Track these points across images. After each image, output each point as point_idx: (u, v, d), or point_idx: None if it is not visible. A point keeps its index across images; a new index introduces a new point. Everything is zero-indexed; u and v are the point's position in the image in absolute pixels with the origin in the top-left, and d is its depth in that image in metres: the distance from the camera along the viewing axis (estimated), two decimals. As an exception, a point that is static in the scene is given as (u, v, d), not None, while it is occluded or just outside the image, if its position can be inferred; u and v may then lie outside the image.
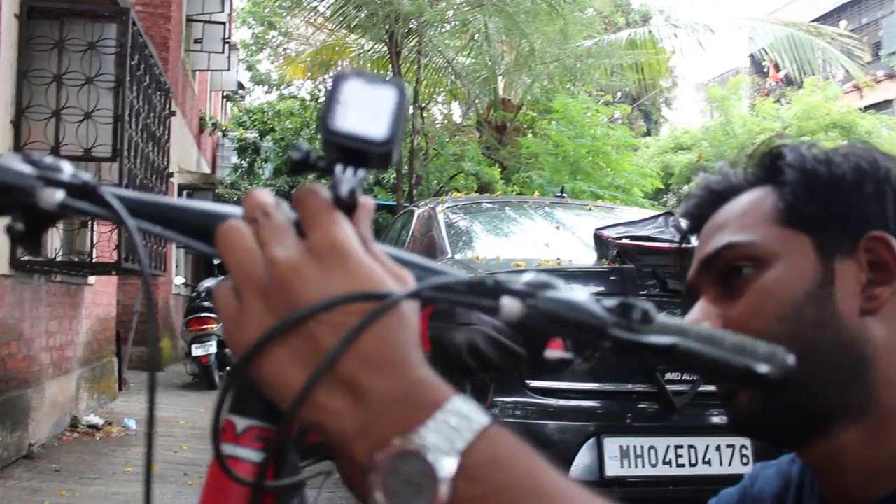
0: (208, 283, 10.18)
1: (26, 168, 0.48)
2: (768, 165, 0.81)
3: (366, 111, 0.47)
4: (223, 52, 13.76)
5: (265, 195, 0.48)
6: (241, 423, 0.57)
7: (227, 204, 0.54)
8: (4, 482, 4.65)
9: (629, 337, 0.48)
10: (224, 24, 13.63)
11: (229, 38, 14.39)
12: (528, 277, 0.48)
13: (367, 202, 0.49)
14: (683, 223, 0.90)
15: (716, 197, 0.85)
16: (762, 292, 0.75)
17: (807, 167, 0.78)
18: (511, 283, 0.48)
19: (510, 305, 0.47)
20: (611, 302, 0.49)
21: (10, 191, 0.48)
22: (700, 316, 0.79)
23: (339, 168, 0.48)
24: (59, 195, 0.48)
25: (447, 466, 0.41)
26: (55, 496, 4.45)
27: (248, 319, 0.45)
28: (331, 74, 14.83)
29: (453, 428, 0.42)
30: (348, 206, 0.48)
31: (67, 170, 0.49)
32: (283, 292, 0.44)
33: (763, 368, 0.49)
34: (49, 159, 0.50)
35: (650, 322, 0.49)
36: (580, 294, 0.48)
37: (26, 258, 5.22)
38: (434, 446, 0.41)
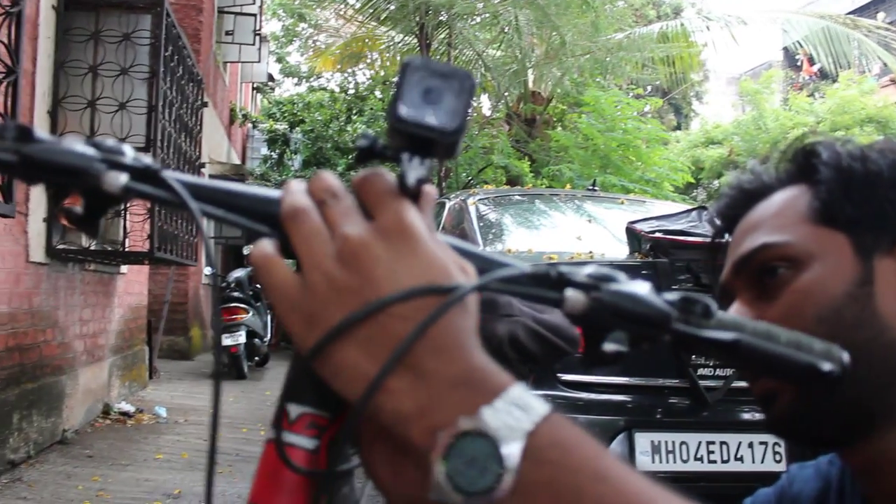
0: (237, 273, 10.25)
1: (90, 150, 0.48)
2: (802, 163, 0.80)
3: (434, 100, 0.47)
4: (254, 44, 13.84)
5: (331, 178, 0.49)
6: (294, 409, 0.57)
7: None
8: (40, 466, 4.73)
9: (691, 331, 0.48)
10: (255, 16, 13.71)
11: (260, 30, 14.46)
12: (590, 269, 0.48)
13: (430, 191, 0.49)
14: (715, 223, 0.88)
15: (748, 196, 0.83)
16: (800, 293, 0.74)
17: (842, 164, 0.76)
18: (575, 276, 0.48)
19: (575, 298, 0.47)
20: (672, 296, 0.49)
21: (74, 173, 0.47)
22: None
23: (405, 156, 0.48)
24: (123, 178, 0.48)
25: (513, 447, 0.41)
26: (88, 481, 4.52)
27: (314, 300, 0.45)
28: (360, 67, 14.89)
29: (518, 410, 0.42)
30: (413, 195, 0.48)
31: (129, 153, 0.49)
32: (353, 269, 0.44)
33: (826, 366, 0.49)
34: (111, 142, 0.49)
35: (710, 317, 0.49)
36: (642, 287, 0.48)
37: (61, 247, 5.29)
38: (499, 427, 0.41)
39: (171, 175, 0.50)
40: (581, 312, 0.47)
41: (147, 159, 0.50)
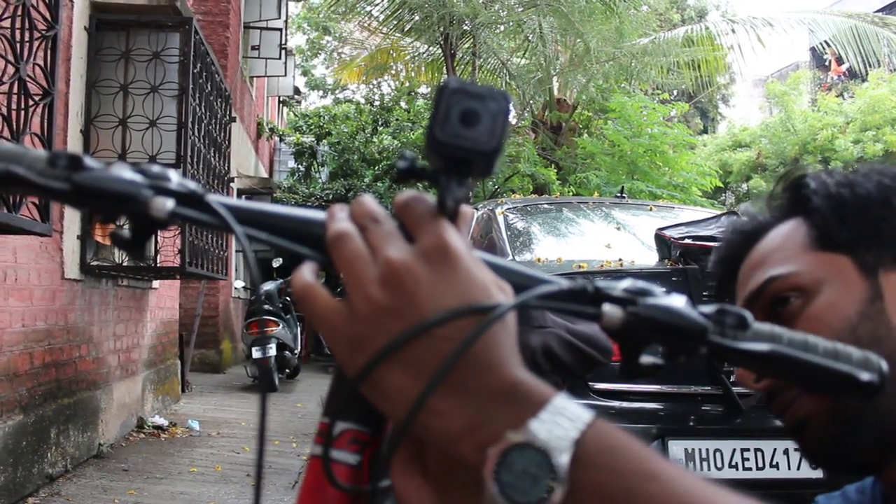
0: (267, 286, 10.32)
1: (137, 177, 0.50)
2: (793, 197, 0.83)
3: (471, 122, 0.48)
4: (280, 58, 13.97)
5: (372, 203, 0.50)
6: (337, 425, 0.58)
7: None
8: (77, 480, 4.80)
9: (727, 343, 0.48)
10: (280, 30, 13.83)
11: (285, 44, 14.59)
12: (626, 284, 0.49)
13: (467, 211, 0.50)
14: (717, 271, 0.91)
15: (746, 238, 0.86)
16: (813, 319, 0.76)
17: (831, 192, 0.80)
18: (611, 290, 0.49)
19: (612, 313, 0.48)
20: (708, 308, 0.49)
21: (123, 199, 0.49)
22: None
23: (443, 178, 0.49)
24: (169, 204, 0.49)
25: (563, 456, 0.42)
26: (125, 494, 4.58)
27: (359, 323, 0.46)
28: (385, 79, 14.94)
29: (564, 419, 0.43)
30: (452, 215, 0.49)
31: (175, 178, 0.51)
32: (396, 292, 0.46)
33: (865, 376, 0.49)
34: (156, 168, 0.51)
35: (746, 328, 0.49)
36: (678, 300, 0.48)
37: (95, 263, 5.37)
38: (547, 437, 0.42)
39: (215, 199, 0.51)
40: (618, 327, 0.48)
41: (192, 184, 0.51)
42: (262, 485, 0.50)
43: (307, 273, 0.49)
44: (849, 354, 0.50)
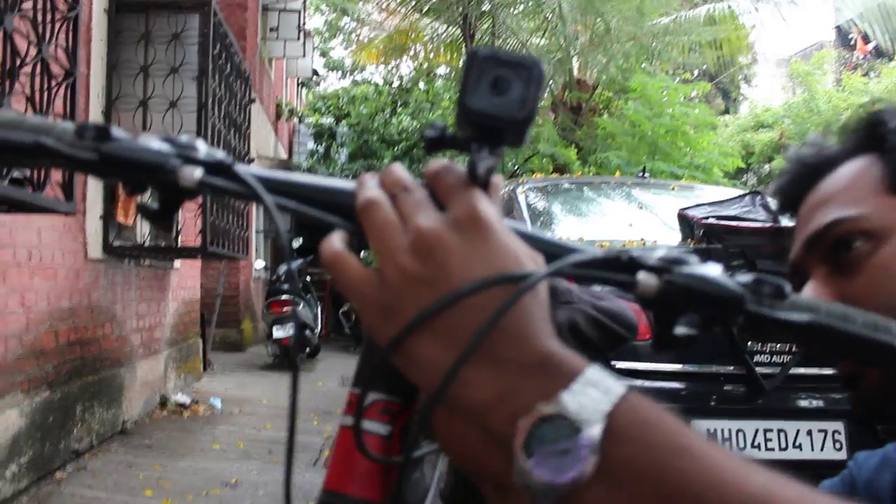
0: (287, 265, 10.38)
1: (165, 147, 0.49)
2: (868, 133, 0.77)
3: (503, 89, 0.47)
4: (298, 40, 13.96)
5: (402, 171, 0.49)
6: (368, 396, 0.58)
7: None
8: (103, 456, 4.87)
9: (765, 313, 0.47)
10: (299, 12, 13.81)
11: (304, 25, 14.57)
12: (661, 252, 0.48)
13: (497, 181, 0.50)
14: (776, 201, 0.85)
15: (810, 171, 0.81)
16: (881, 268, 0.72)
17: None
18: (646, 259, 0.48)
19: (647, 281, 0.47)
20: (745, 277, 0.48)
21: (152, 169, 0.48)
22: (813, 297, 0.76)
23: (475, 146, 0.48)
24: (198, 173, 0.49)
25: (594, 429, 0.41)
26: (149, 470, 4.64)
27: (389, 292, 0.46)
28: (403, 60, 14.89)
29: (596, 392, 0.42)
30: (483, 184, 0.48)
31: (202, 148, 0.50)
32: (427, 261, 0.45)
33: None
34: (185, 138, 0.50)
35: (784, 298, 0.48)
36: (714, 269, 0.47)
37: (118, 244, 5.42)
38: (578, 410, 0.42)
39: (243, 169, 0.50)
40: (654, 295, 0.47)
41: (220, 154, 0.50)
42: (292, 461, 0.49)
43: (337, 241, 0.48)
44: (888, 326, 0.49)
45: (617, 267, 0.48)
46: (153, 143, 0.49)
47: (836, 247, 0.75)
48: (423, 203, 0.47)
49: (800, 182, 0.82)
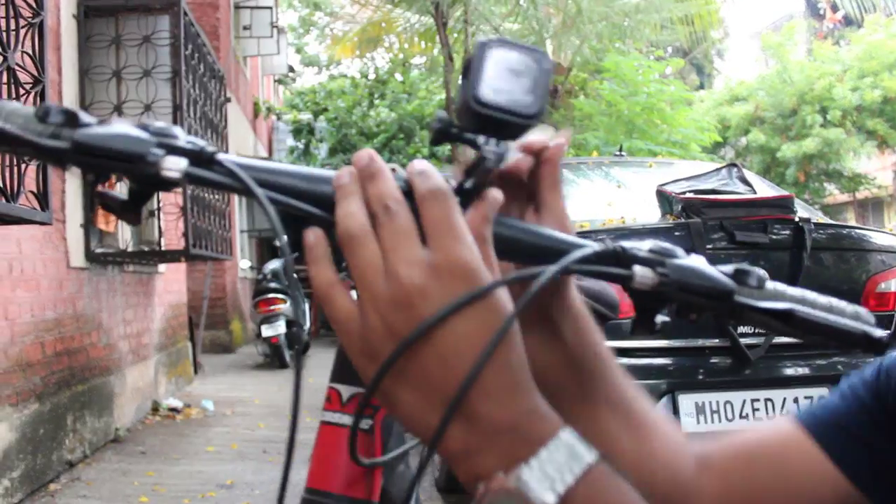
0: (273, 264, 10.35)
1: (143, 134, 0.45)
2: None
3: (512, 82, 0.46)
4: (272, 37, 13.87)
5: (385, 182, 0.46)
6: (346, 391, 0.59)
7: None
8: (97, 465, 4.85)
9: (750, 303, 0.49)
10: (270, 8, 13.72)
11: (276, 22, 14.48)
12: (650, 245, 0.49)
13: (495, 196, 0.48)
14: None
15: None
16: None
17: None
18: (639, 252, 0.49)
19: (644, 274, 0.48)
20: (727, 268, 0.50)
21: (132, 159, 0.44)
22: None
23: (481, 139, 0.47)
24: (183, 163, 0.45)
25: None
26: (143, 476, 4.63)
27: (372, 336, 0.46)
28: (378, 52, 14.83)
29: (556, 467, 0.43)
30: (482, 184, 0.48)
31: (182, 135, 0.46)
32: (406, 314, 0.44)
33: (878, 332, 0.50)
34: (160, 124, 0.46)
35: (763, 287, 0.50)
36: (700, 261, 0.49)
37: (100, 250, 5.39)
38: (535, 486, 0.42)
39: (227, 158, 0.47)
40: (651, 288, 0.48)
41: (201, 142, 0.47)
42: (291, 462, 0.49)
43: (329, 272, 0.47)
44: (858, 313, 0.51)
45: (614, 262, 0.49)
46: (130, 130, 0.45)
47: None
48: (405, 234, 0.45)
49: None
